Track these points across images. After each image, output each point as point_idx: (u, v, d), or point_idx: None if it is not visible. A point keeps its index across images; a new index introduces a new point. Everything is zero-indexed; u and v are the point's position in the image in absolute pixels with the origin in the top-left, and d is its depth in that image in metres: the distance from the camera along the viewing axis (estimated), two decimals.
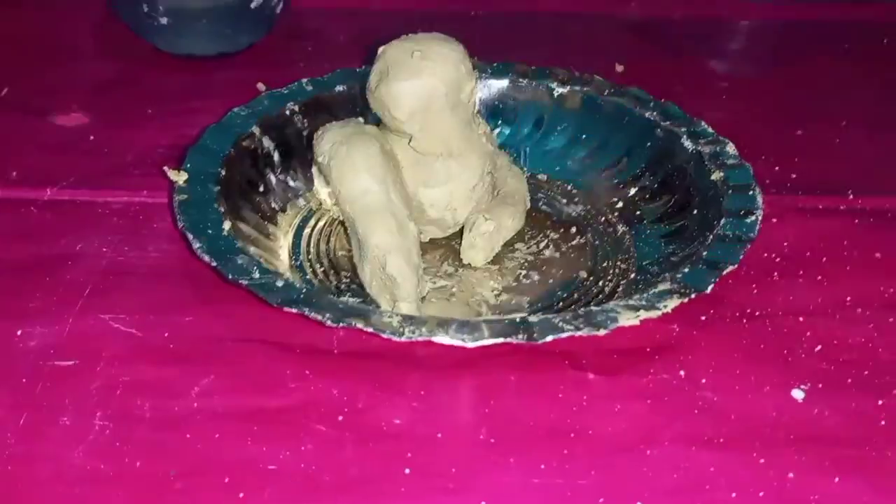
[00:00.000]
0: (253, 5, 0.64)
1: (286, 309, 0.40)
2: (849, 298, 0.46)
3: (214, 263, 0.42)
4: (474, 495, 0.36)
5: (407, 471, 0.37)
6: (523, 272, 0.48)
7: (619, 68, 0.64)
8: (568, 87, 0.56)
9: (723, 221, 0.45)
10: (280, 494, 0.36)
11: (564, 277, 0.47)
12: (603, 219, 0.51)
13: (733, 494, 0.36)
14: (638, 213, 0.51)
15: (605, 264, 0.48)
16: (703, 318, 0.44)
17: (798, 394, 0.40)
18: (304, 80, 0.55)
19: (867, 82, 0.67)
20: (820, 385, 0.41)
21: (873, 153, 0.58)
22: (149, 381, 0.40)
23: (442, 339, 0.39)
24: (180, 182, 0.47)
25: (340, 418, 0.39)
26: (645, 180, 0.52)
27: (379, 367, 0.41)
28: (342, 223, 0.49)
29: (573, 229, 0.51)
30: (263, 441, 0.38)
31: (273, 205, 0.51)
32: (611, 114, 0.55)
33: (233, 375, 0.41)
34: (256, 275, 0.41)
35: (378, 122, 0.47)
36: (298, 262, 0.48)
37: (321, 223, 0.51)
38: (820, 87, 0.66)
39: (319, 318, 0.39)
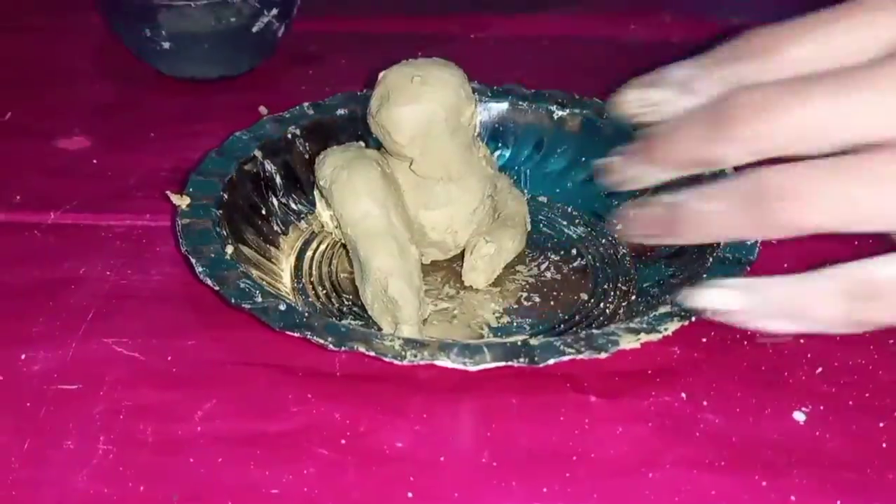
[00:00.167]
0: (255, 29, 0.64)
1: (288, 333, 0.40)
2: None
3: (217, 287, 0.42)
4: None
5: (409, 494, 0.37)
6: (524, 294, 0.48)
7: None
8: (568, 110, 0.56)
9: (723, 243, 0.46)
10: None
11: (566, 299, 0.48)
12: (604, 240, 0.52)
13: None
14: None
15: (605, 286, 0.48)
16: (704, 340, 0.44)
17: (799, 416, 0.40)
18: (306, 104, 0.55)
19: None
20: (821, 407, 0.41)
21: None
22: (152, 405, 0.40)
23: (444, 362, 0.39)
24: (183, 206, 0.47)
25: (343, 442, 0.39)
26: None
27: (381, 390, 0.41)
28: (344, 246, 0.49)
29: (574, 251, 0.51)
30: (266, 465, 0.38)
31: (275, 228, 0.51)
32: (610, 136, 0.55)
33: (235, 399, 0.41)
34: (259, 298, 0.42)
35: (379, 145, 0.48)
36: (301, 285, 0.48)
37: (323, 246, 0.51)
38: None
39: (321, 341, 0.39)
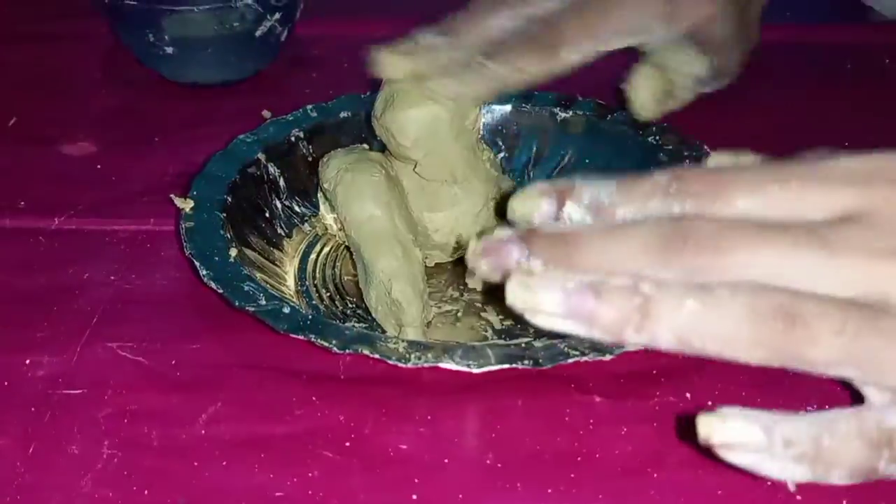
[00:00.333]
0: (258, 33, 0.64)
1: (293, 335, 0.40)
2: None
3: (221, 290, 0.42)
4: None
5: (414, 496, 0.37)
6: None
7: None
8: (571, 112, 0.56)
9: None
10: None
11: None
12: None
13: None
14: None
15: None
16: None
17: None
18: (309, 107, 0.55)
19: (871, 104, 0.67)
20: (826, 406, 0.41)
21: None
22: (156, 409, 0.40)
23: (448, 364, 0.39)
24: (187, 209, 0.47)
25: (347, 444, 0.39)
26: None
27: (385, 392, 0.41)
28: (348, 248, 0.49)
29: None
30: (271, 468, 0.38)
31: (279, 231, 0.51)
32: (614, 138, 0.55)
33: (240, 402, 0.41)
34: (263, 301, 0.42)
35: (383, 148, 0.48)
36: (305, 288, 0.48)
37: (327, 248, 0.51)
38: (822, 110, 0.66)
39: (326, 344, 0.39)
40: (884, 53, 0.73)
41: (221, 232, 0.46)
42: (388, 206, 0.45)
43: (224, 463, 0.38)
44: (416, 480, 0.37)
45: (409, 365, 0.39)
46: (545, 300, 0.29)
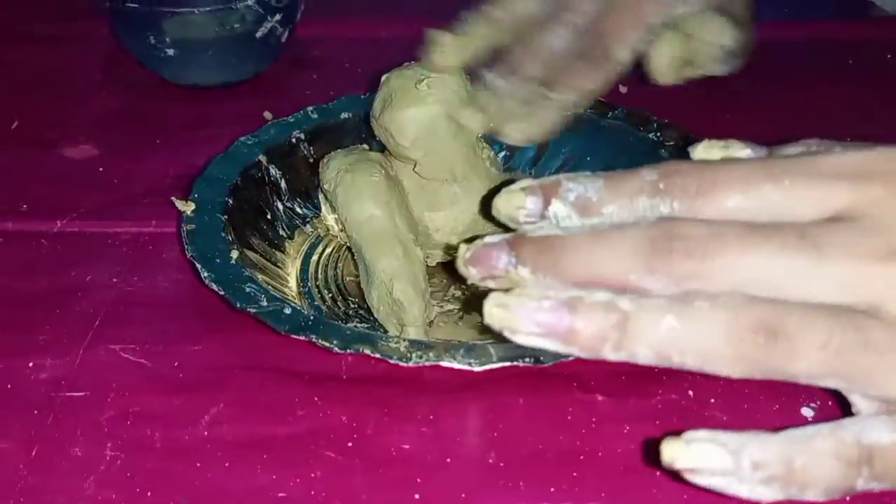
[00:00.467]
0: (258, 35, 0.64)
1: (294, 336, 0.40)
2: None
3: (222, 292, 0.42)
4: None
5: (417, 496, 0.37)
6: None
7: (623, 89, 0.64)
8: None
9: None
10: None
11: None
12: None
13: None
14: None
15: None
16: None
17: (808, 412, 0.40)
18: (310, 108, 0.56)
19: (873, 100, 0.67)
20: (829, 403, 0.41)
21: None
22: (159, 410, 0.40)
23: (449, 363, 0.39)
24: (188, 212, 0.47)
25: (350, 444, 0.39)
26: None
27: (387, 392, 0.41)
28: (349, 249, 0.49)
29: None
30: (273, 469, 0.38)
31: (281, 232, 0.51)
32: (614, 135, 0.55)
33: (242, 404, 0.41)
34: (264, 302, 0.42)
35: (383, 148, 0.48)
36: (307, 289, 0.48)
37: (329, 249, 0.51)
38: (823, 107, 0.66)
39: (327, 344, 0.39)
40: (885, 49, 0.73)
41: (223, 234, 0.46)
42: (388, 206, 0.45)
43: (227, 464, 0.38)
44: (419, 480, 0.37)
45: (411, 364, 0.39)
46: (522, 319, 0.29)
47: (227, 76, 0.67)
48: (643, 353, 0.29)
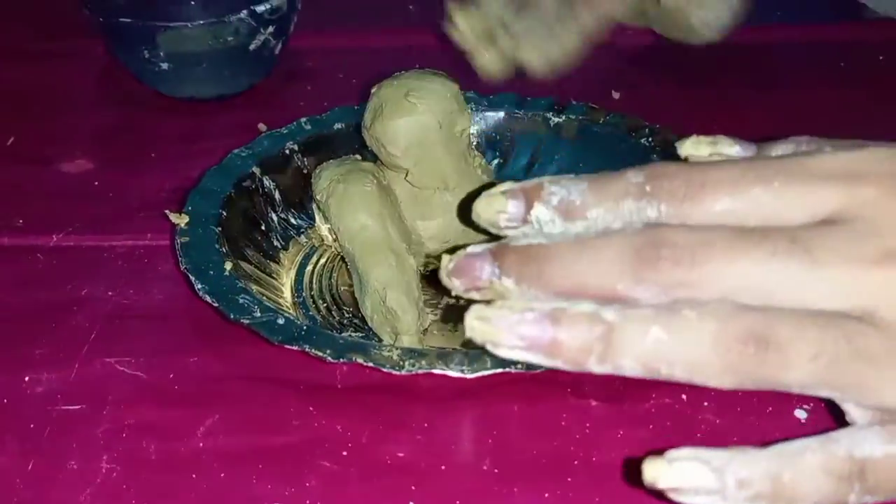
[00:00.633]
0: (252, 47, 0.65)
1: (287, 346, 0.40)
2: None
3: (216, 304, 0.42)
4: None
5: None
6: None
7: (616, 95, 0.64)
8: (564, 116, 0.56)
9: None
10: None
11: None
12: None
13: None
14: None
15: None
16: None
17: (801, 414, 0.40)
18: (303, 119, 0.56)
19: (865, 101, 0.67)
20: (822, 404, 0.41)
21: None
22: (154, 422, 0.41)
23: (442, 370, 0.39)
24: (181, 224, 0.47)
25: (345, 453, 0.39)
26: None
27: (382, 400, 0.41)
28: (343, 259, 0.49)
29: None
30: (269, 479, 0.38)
31: (275, 243, 0.51)
32: (607, 141, 0.55)
33: (237, 415, 0.41)
34: (258, 313, 0.42)
35: (375, 158, 0.48)
36: (301, 299, 0.48)
37: (323, 260, 0.51)
38: (816, 108, 0.66)
39: (320, 354, 0.40)
40: (877, 50, 0.73)
41: (216, 246, 0.46)
42: (380, 216, 0.45)
43: (222, 475, 0.38)
44: (414, 488, 0.38)
45: (404, 372, 0.39)
46: (504, 333, 0.28)
47: (222, 89, 0.67)
48: (629, 365, 0.28)
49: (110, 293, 0.48)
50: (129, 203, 0.56)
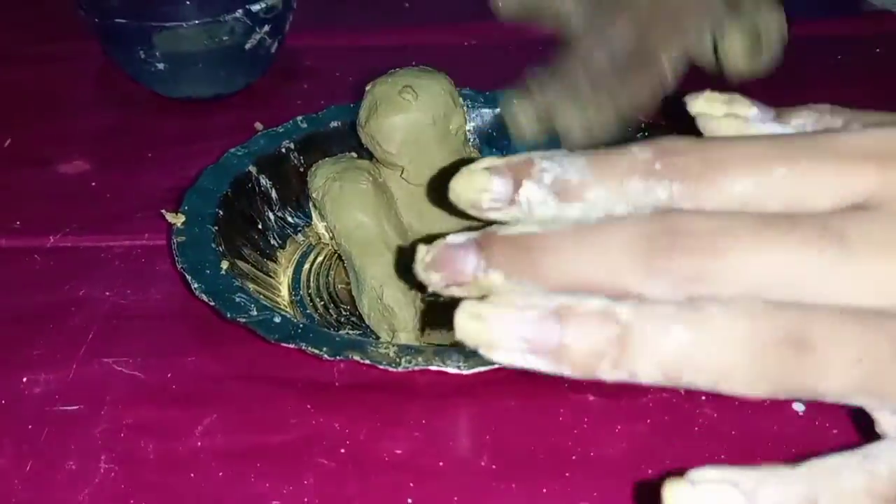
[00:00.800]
0: (248, 46, 0.65)
1: (284, 344, 0.40)
2: None
3: (213, 303, 0.42)
4: None
5: (410, 501, 0.37)
6: None
7: None
8: None
9: None
10: None
11: None
12: None
13: None
14: None
15: None
16: None
17: (798, 407, 0.40)
18: (299, 118, 0.56)
19: (863, 94, 0.67)
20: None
21: None
22: (152, 422, 0.41)
23: (438, 367, 0.39)
24: (178, 224, 0.47)
25: (343, 451, 0.39)
26: None
27: (380, 398, 0.41)
28: (340, 257, 0.49)
29: None
30: (266, 477, 0.38)
31: (272, 242, 0.51)
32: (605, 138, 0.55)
33: (235, 414, 0.41)
34: (254, 312, 0.42)
35: (371, 156, 0.48)
36: (298, 297, 0.48)
37: (320, 258, 0.51)
38: (816, 102, 0.66)
39: (317, 352, 0.40)
40: (875, 43, 0.73)
41: (213, 245, 0.46)
42: (376, 214, 0.45)
43: (221, 474, 0.38)
44: (412, 485, 0.38)
45: (400, 369, 0.39)
46: (501, 334, 0.24)
47: (218, 88, 0.67)
48: (647, 371, 0.24)
49: (108, 293, 0.48)
50: (127, 203, 0.56)
